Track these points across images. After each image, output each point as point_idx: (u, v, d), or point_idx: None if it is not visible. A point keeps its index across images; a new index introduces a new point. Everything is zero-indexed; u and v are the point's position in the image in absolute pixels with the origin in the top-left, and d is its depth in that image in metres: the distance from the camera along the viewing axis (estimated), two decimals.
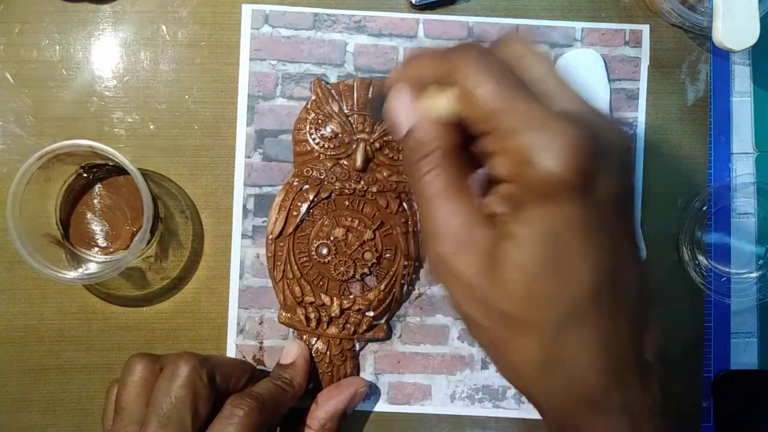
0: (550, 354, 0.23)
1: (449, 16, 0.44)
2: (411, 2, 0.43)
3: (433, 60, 0.26)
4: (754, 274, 0.45)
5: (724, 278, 0.45)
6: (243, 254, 0.43)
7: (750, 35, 0.40)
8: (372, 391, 0.44)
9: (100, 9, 0.43)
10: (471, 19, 0.44)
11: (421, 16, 0.44)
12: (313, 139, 0.42)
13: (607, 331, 0.23)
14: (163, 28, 0.43)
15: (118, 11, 0.43)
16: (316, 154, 0.42)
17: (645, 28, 0.44)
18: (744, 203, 0.45)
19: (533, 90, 0.23)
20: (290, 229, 0.42)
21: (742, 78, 0.46)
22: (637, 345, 0.25)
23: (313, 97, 0.43)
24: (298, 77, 0.43)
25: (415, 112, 0.26)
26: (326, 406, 0.40)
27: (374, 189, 0.42)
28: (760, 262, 0.45)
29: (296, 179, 0.42)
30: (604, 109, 0.24)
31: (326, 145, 0.42)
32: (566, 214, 0.22)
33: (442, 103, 0.26)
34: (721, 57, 0.45)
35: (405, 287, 0.43)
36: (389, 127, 0.28)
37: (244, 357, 0.43)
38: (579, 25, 0.44)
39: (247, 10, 0.43)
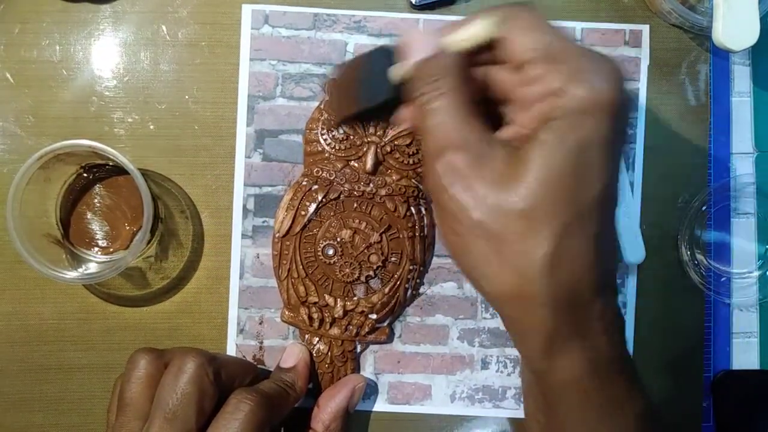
0: (558, 251, 0.26)
1: (449, 16, 0.44)
2: (411, 2, 0.43)
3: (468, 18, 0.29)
4: (754, 274, 0.45)
5: (724, 278, 0.45)
6: (243, 254, 0.43)
7: (750, 35, 0.40)
8: (372, 391, 0.44)
9: (100, 9, 0.43)
10: None
11: (421, 16, 0.44)
12: (325, 140, 0.42)
13: (603, 238, 0.27)
14: (163, 28, 0.43)
15: (118, 11, 0.43)
16: (327, 154, 0.42)
17: (645, 28, 0.44)
18: (744, 203, 0.45)
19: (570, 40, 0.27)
20: (297, 229, 0.42)
21: (741, 78, 0.46)
22: (613, 264, 0.29)
23: (327, 98, 0.43)
24: (298, 77, 0.43)
25: (431, 43, 0.29)
26: (328, 407, 0.40)
27: (383, 192, 0.42)
28: (760, 262, 0.45)
29: (306, 179, 0.42)
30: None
31: (337, 147, 0.42)
32: (597, 128, 0.25)
33: (473, 30, 0.29)
34: (721, 57, 0.45)
35: (409, 291, 0.43)
36: (400, 54, 0.31)
37: (244, 357, 0.43)
38: (579, 25, 0.44)
39: (247, 10, 0.43)
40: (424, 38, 0.30)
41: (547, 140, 0.25)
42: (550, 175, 0.25)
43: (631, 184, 0.44)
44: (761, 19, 0.40)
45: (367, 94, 0.36)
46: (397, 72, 0.32)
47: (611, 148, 0.26)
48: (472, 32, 0.29)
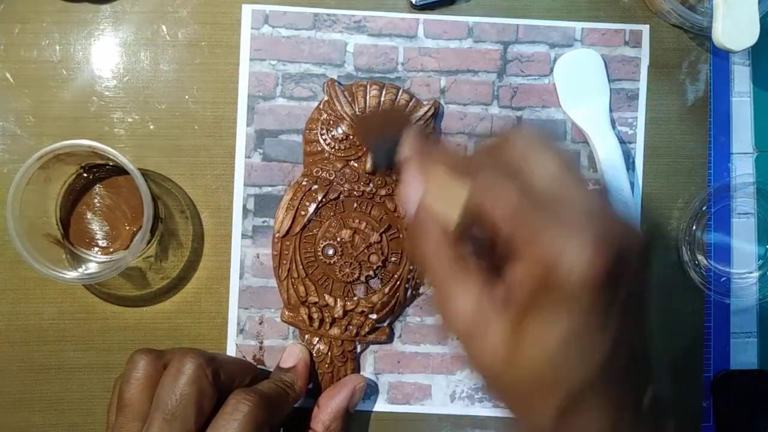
0: (561, 424, 0.24)
1: (449, 16, 0.44)
2: (411, 2, 0.43)
3: (451, 157, 0.27)
4: (754, 274, 0.45)
5: (724, 278, 0.45)
6: (243, 254, 0.43)
7: (750, 35, 0.40)
8: (372, 391, 0.44)
9: (100, 9, 0.43)
10: (471, 19, 0.44)
11: (421, 16, 0.44)
12: (324, 140, 0.42)
13: (614, 406, 0.24)
14: (163, 28, 0.43)
15: (118, 11, 0.43)
16: (327, 154, 0.42)
17: (645, 28, 0.44)
18: (744, 203, 0.45)
19: (549, 192, 0.24)
20: (297, 229, 0.42)
21: (741, 78, 0.46)
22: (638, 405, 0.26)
23: (326, 98, 0.43)
24: (298, 77, 0.43)
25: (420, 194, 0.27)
26: (328, 407, 0.40)
27: (383, 192, 0.42)
28: (760, 262, 0.45)
29: (305, 179, 0.42)
30: (621, 209, 0.26)
31: (337, 147, 0.42)
32: (589, 308, 0.23)
33: (454, 203, 0.26)
34: (721, 57, 0.45)
35: (409, 291, 0.43)
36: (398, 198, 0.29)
37: (244, 357, 0.43)
38: (579, 25, 0.44)
39: (247, 10, 0.43)
40: (418, 185, 0.27)
41: (540, 321, 0.23)
42: (546, 354, 0.23)
43: (631, 184, 0.44)
44: (761, 19, 0.40)
45: (377, 154, 0.38)
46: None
47: (611, 318, 0.23)
48: (452, 207, 0.26)
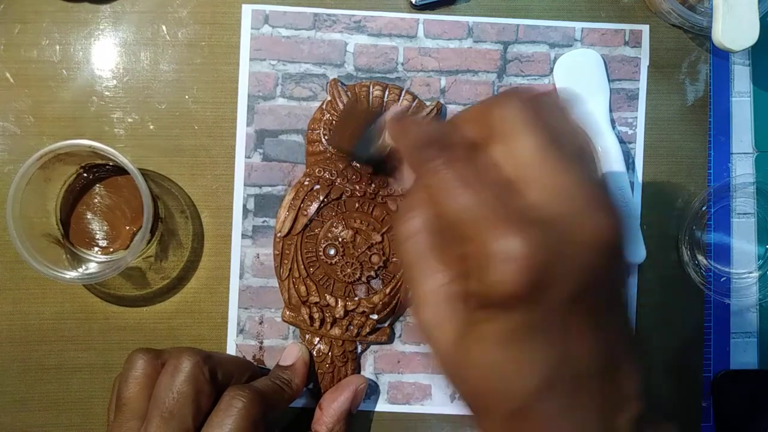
0: (512, 430, 0.23)
1: (449, 16, 0.44)
2: (411, 2, 0.43)
3: (427, 133, 0.25)
4: (754, 274, 0.45)
5: (724, 278, 0.45)
6: (243, 254, 0.43)
7: (750, 35, 0.40)
8: (372, 391, 0.44)
9: (100, 9, 0.43)
10: (471, 19, 0.44)
11: (421, 16, 0.44)
12: (326, 140, 0.42)
13: (580, 415, 0.23)
14: (163, 28, 0.43)
15: (118, 11, 0.43)
16: (329, 154, 0.42)
17: (645, 28, 0.44)
18: (744, 203, 0.45)
19: (508, 178, 0.23)
20: (299, 228, 0.42)
21: (741, 78, 0.46)
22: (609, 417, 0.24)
23: (329, 98, 0.43)
24: (298, 77, 0.43)
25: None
26: (330, 409, 0.40)
27: (384, 192, 0.42)
28: (760, 262, 0.45)
29: (307, 179, 0.42)
30: (598, 189, 0.23)
31: None
32: (516, 320, 0.22)
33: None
34: (721, 57, 0.45)
35: (410, 292, 0.43)
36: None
37: (244, 357, 0.43)
38: (579, 25, 0.44)
39: (247, 10, 0.43)
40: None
41: (478, 331, 0.23)
42: (482, 372, 0.23)
43: (631, 184, 0.44)
44: (761, 19, 0.40)
45: (361, 148, 0.38)
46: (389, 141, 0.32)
47: (543, 330, 0.22)
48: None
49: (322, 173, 0.42)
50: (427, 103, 0.43)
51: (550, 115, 0.24)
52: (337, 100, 0.42)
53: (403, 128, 0.27)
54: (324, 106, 0.43)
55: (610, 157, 0.43)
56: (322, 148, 0.42)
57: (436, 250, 0.25)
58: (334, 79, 0.43)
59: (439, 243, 0.25)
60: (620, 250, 0.23)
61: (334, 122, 0.42)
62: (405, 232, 0.25)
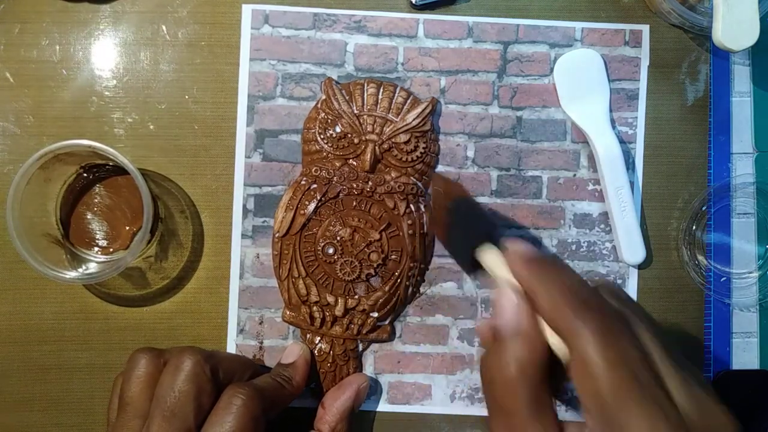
0: None
1: (449, 16, 0.44)
2: (411, 2, 0.43)
3: (567, 283, 0.27)
4: (754, 274, 0.45)
5: (724, 278, 0.45)
6: (243, 254, 0.43)
7: (750, 35, 0.40)
8: (372, 391, 0.44)
9: (100, 9, 0.43)
10: (471, 19, 0.44)
11: (421, 16, 0.44)
12: (322, 139, 0.42)
13: None
14: (163, 28, 0.43)
15: (118, 11, 0.43)
16: (325, 153, 0.42)
17: (645, 28, 0.44)
18: (744, 203, 0.45)
19: (655, 369, 0.26)
20: (297, 228, 0.42)
21: (741, 78, 0.46)
22: None
23: (323, 97, 0.43)
24: (298, 77, 0.43)
25: (524, 319, 0.27)
26: (333, 408, 0.40)
27: (382, 190, 0.42)
28: (760, 262, 0.45)
29: (304, 178, 0.42)
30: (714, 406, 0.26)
31: (335, 145, 0.42)
32: None
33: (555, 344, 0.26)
34: (721, 57, 0.45)
35: (410, 289, 0.43)
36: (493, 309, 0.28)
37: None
38: (579, 25, 0.44)
39: (247, 10, 0.43)
40: (518, 307, 0.27)
41: None
42: None
43: (631, 184, 0.44)
44: (761, 19, 0.40)
45: (454, 246, 0.38)
46: (483, 260, 0.32)
47: None
48: (560, 347, 0.26)
49: (318, 172, 0.42)
50: (422, 100, 0.43)
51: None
52: (332, 98, 0.42)
53: (542, 273, 0.27)
54: (319, 105, 0.43)
55: (610, 157, 0.43)
56: (318, 147, 0.42)
57: (543, 400, 0.26)
58: (329, 78, 0.43)
59: (544, 390, 0.26)
60: None
61: (329, 120, 0.42)
62: (512, 378, 0.26)
